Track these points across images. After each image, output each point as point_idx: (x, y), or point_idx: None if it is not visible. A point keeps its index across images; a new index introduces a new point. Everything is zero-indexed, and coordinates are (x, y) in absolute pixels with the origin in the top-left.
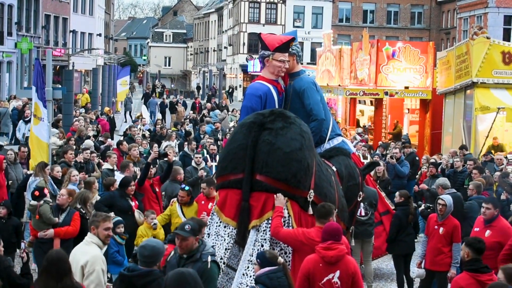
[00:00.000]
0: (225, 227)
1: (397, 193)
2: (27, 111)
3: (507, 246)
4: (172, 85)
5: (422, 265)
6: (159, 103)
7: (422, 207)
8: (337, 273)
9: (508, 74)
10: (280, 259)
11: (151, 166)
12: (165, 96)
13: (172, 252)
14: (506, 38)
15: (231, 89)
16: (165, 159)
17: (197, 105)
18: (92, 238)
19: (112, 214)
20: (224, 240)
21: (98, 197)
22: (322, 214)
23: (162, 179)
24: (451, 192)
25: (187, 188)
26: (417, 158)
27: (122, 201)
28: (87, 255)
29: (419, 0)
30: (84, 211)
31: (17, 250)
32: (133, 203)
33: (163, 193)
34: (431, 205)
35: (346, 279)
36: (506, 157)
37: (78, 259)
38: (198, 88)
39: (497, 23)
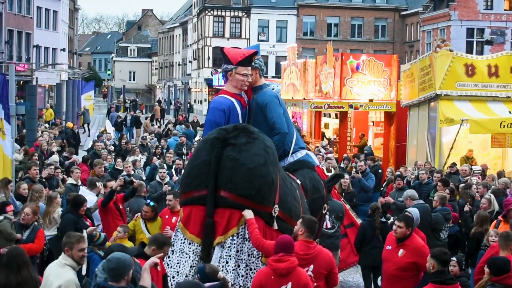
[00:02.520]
0: (189, 244)
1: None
2: None
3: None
4: (137, 99)
5: None
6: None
7: (391, 220)
8: (289, 285)
9: (471, 86)
10: (220, 274)
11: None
12: (138, 111)
13: None
14: (469, 50)
15: (188, 104)
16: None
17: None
18: (66, 260)
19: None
20: (189, 257)
21: (60, 212)
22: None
23: (125, 198)
24: (419, 203)
25: (152, 203)
26: (380, 171)
27: (80, 221)
28: (61, 279)
29: (382, 13)
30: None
31: None
32: (87, 222)
33: (128, 208)
34: None
35: None
36: (471, 168)
37: (51, 283)
38: (159, 102)
39: (460, 35)
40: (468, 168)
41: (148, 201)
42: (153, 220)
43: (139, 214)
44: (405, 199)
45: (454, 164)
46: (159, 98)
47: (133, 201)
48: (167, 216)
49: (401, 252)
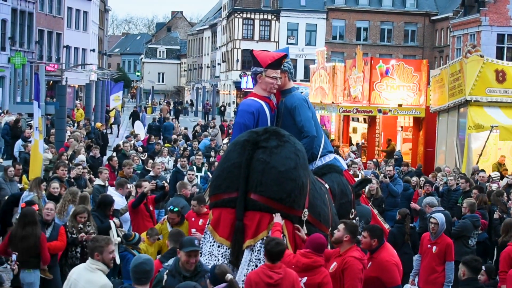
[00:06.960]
0: (219, 247)
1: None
2: (27, 130)
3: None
4: (176, 100)
5: (416, 282)
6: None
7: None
8: (304, 279)
9: (502, 93)
10: (228, 276)
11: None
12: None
13: (165, 277)
14: (499, 56)
15: (223, 107)
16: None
17: (225, 128)
18: (97, 265)
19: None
20: (218, 260)
21: None
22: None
23: (157, 200)
24: (438, 210)
25: (175, 209)
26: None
27: (105, 221)
28: (95, 285)
29: (412, 18)
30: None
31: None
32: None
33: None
34: None
35: (311, 287)
36: (489, 175)
37: None
38: (180, 103)
39: (491, 41)
40: (487, 175)
41: (172, 207)
42: (179, 224)
43: (166, 217)
44: (424, 206)
45: (482, 171)
46: (190, 100)
47: (173, 200)
48: (193, 219)
49: (369, 264)
